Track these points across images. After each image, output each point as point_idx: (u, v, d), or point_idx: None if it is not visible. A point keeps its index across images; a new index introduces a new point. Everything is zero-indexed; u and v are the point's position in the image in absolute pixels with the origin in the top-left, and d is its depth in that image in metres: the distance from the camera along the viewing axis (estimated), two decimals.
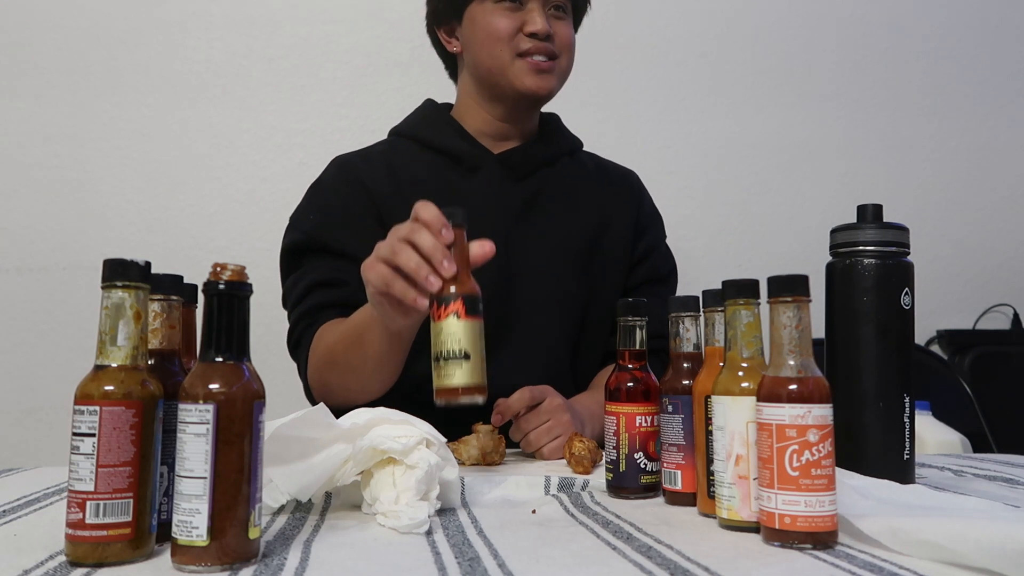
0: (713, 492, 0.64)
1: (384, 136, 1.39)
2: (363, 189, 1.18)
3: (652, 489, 0.75)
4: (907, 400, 0.78)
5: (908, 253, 0.80)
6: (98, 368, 0.53)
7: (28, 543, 0.57)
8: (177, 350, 0.61)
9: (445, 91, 1.37)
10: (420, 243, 0.76)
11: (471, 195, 1.18)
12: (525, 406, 0.99)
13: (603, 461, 0.83)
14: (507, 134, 1.25)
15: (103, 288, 0.53)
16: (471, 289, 0.74)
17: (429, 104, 1.32)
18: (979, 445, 1.59)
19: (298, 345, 1.15)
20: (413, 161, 1.22)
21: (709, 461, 0.66)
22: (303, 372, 1.14)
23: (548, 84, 1.18)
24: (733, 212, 1.99)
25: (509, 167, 1.23)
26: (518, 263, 1.18)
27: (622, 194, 1.31)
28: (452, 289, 0.73)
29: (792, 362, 0.57)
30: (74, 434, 0.52)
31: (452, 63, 1.31)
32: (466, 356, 0.71)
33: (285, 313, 1.21)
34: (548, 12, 1.17)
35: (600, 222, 1.26)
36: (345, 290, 1.11)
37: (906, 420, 0.78)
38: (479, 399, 0.71)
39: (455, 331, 0.72)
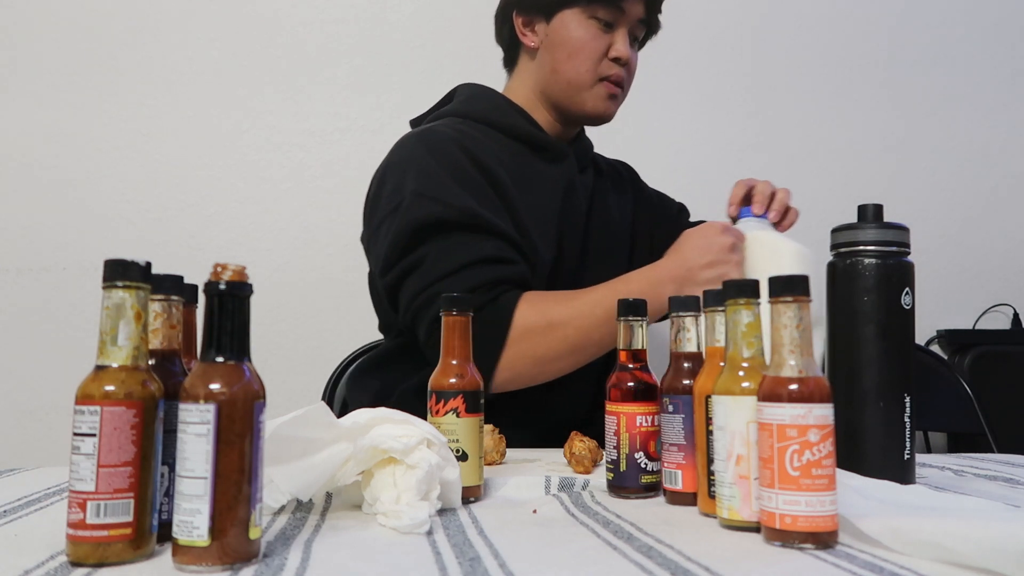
0: (714, 492, 0.64)
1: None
2: (485, 169, 1.14)
3: (652, 489, 0.75)
4: (907, 400, 0.78)
5: (908, 253, 0.80)
6: (99, 368, 0.53)
7: (29, 543, 0.57)
8: (178, 350, 0.61)
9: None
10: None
11: (562, 181, 1.23)
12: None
13: (603, 461, 0.83)
14: (560, 135, 1.29)
15: (104, 288, 0.53)
16: (472, 384, 0.74)
17: (487, 91, 1.29)
18: (979, 445, 1.59)
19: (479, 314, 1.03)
20: (501, 148, 1.19)
21: (710, 461, 0.66)
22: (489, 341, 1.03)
23: (613, 110, 1.24)
24: None
25: (577, 158, 1.29)
26: (591, 246, 1.24)
27: (625, 179, 1.43)
28: (452, 381, 0.73)
29: (793, 362, 0.57)
30: (75, 434, 0.51)
31: (513, 53, 1.29)
32: (463, 457, 0.72)
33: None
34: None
35: (631, 203, 1.38)
36: (518, 267, 1.09)
37: (906, 420, 0.78)
38: (471, 499, 0.73)
39: (453, 430, 0.72)
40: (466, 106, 1.24)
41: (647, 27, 1.25)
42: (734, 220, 1.17)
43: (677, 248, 1.10)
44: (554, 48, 1.20)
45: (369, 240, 1.18)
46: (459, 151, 1.13)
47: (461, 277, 1.04)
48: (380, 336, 1.53)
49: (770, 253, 1.06)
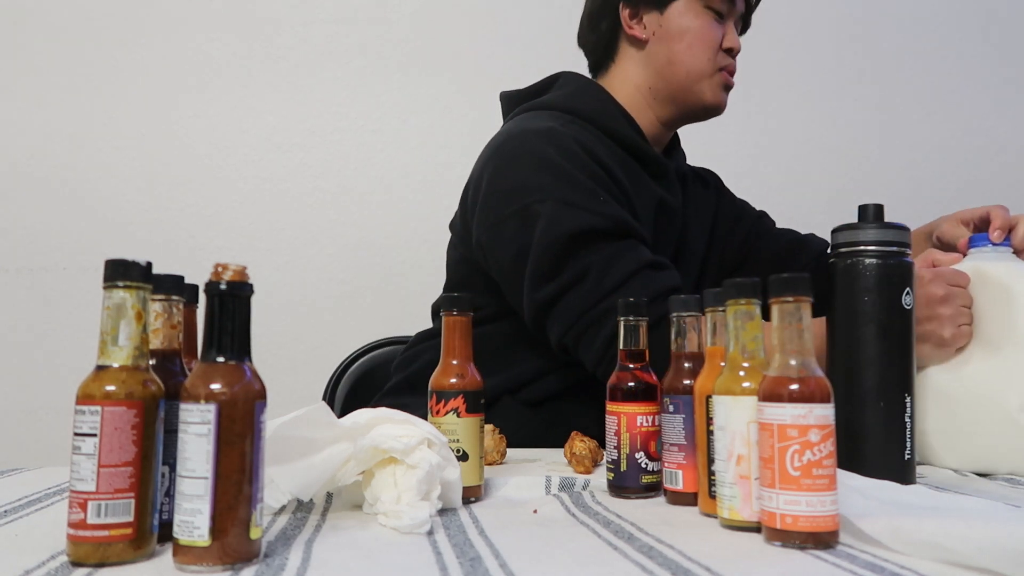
0: (714, 492, 0.64)
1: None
2: (614, 177, 1.09)
3: (653, 489, 0.75)
4: (907, 400, 0.78)
5: (909, 253, 0.80)
6: (99, 368, 0.53)
7: (30, 543, 0.57)
8: (178, 350, 0.61)
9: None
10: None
11: (665, 200, 1.19)
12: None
13: (604, 461, 0.83)
14: (660, 140, 1.26)
15: (104, 288, 0.53)
16: (473, 383, 0.74)
17: (594, 88, 1.22)
18: None
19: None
20: (610, 154, 1.13)
21: (710, 461, 0.66)
22: None
23: (726, 100, 1.23)
24: None
25: (676, 175, 1.26)
26: (681, 268, 1.20)
27: (710, 185, 1.39)
28: (452, 381, 0.74)
29: (793, 362, 0.57)
30: (75, 434, 0.52)
31: (611, 50, 1.24)
32: (464, 457, 0.72)
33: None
34: None
35: (712, 211, 1.34)
36: (676, 273, 1.05)
37: (906, 420, 0.78)
38: (471, 499, 0.72)
39: (454, 430, 0.73)
40: (573, 102, 1.17)
41: (743, 23, 1.25)
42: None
43: None
44: (670, 39, 1.18)
45: (480, 230, 1.10)
46: (587, 155, 1.07)
47: (630, 288, 0.98)
48: (379, 336, 1.53)
49: (1000, 291, 0.90)
